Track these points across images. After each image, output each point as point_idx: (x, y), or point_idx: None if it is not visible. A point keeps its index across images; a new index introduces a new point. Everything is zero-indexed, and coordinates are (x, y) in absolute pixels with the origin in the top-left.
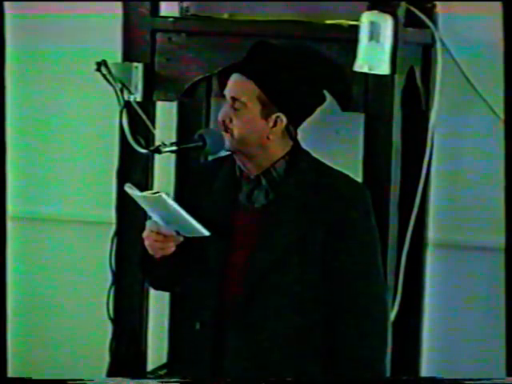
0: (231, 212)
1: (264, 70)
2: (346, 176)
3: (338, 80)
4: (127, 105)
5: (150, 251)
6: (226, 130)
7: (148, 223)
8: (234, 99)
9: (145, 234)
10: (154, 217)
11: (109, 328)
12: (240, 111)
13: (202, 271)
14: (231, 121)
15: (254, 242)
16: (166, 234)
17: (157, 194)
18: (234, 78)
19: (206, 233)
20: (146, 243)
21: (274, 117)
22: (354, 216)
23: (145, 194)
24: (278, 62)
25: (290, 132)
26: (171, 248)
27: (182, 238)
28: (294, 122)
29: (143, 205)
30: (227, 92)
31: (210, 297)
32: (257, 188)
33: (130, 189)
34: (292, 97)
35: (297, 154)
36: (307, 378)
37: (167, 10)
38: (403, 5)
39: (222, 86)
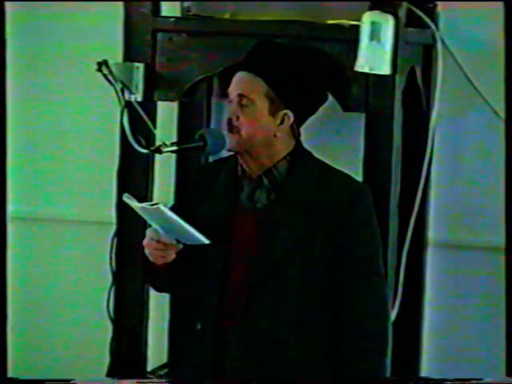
0: (233, 212)
1: (272, 67)
2: (348, 176)
3: (342, 79)
4: (128, 105)
5: (151, 258)
6: (233, 128)
7: (148, 231)
8: (241, 96)
9: (145, 243)
10: (154, 226)
11: (109, 328)
12: (248, 108)
13: (204, 271)
14: (238, 118)
15: (255, 242)
16: (166, 243)
17: (155, 206)
18: (241, 76)
19: (206, 241)
20: (147, 251)
21: (281, 114)
22: (355, 216)
23: (143, 205)
24: (284, 59)
25: (294, 131)
26: (171, 256)
27: (181, 246)
28: (300, 119)
29: (142, 215)
30: (233, 89)
31: (212, 297)
32: (259, 188)
33: (128, 199)
34: (299, 93)
35: (298, 153)
36: (308, 378)
37: (168, 9)
38: (404, 5)
39: (225, 85)
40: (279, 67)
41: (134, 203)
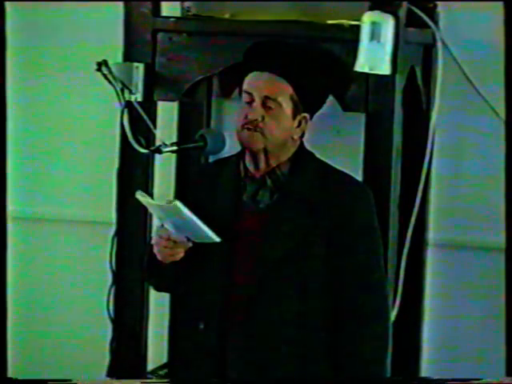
0: (236, 213)
1: (297, 71)
2: (350, 177)
3: (348, 80)
4: (128, 105)
5: (160, 257)
6: (256, 127)
7: (157, 229)
8: (267, 98)
9: (154, 241)
10: (165, 224)
11: (109, 328)
12: (274, 110)
13: (206, 271)
14: (263, 119)
15: (258, 242)
16: (176, 240)
17: (172, 203)
18: (264, 76)
19: (217, 239)
20: (156, 250)
21: (299, 117)
22: (357, 216)
23: (159, 202)
24: (305, 62)
25: (304, 133)
26: (180, 254)
27: (191, 244)
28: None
29: (154, 212)
30: (255, 90)
31: (215, 297)
32: (262, 188)
33: (142, 197)
34: (318, 97)
35: (301, 154)
36: (310, 378)
37: (168, 9)
38: (404, 5)
39: (225, 84)
40: (304, 70)
41: (148, 200)
